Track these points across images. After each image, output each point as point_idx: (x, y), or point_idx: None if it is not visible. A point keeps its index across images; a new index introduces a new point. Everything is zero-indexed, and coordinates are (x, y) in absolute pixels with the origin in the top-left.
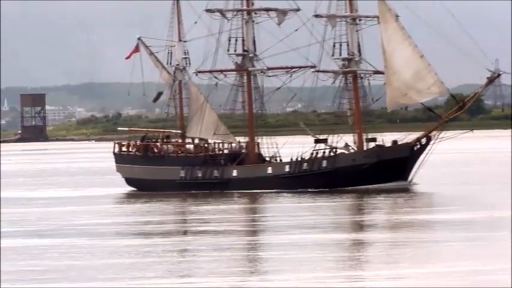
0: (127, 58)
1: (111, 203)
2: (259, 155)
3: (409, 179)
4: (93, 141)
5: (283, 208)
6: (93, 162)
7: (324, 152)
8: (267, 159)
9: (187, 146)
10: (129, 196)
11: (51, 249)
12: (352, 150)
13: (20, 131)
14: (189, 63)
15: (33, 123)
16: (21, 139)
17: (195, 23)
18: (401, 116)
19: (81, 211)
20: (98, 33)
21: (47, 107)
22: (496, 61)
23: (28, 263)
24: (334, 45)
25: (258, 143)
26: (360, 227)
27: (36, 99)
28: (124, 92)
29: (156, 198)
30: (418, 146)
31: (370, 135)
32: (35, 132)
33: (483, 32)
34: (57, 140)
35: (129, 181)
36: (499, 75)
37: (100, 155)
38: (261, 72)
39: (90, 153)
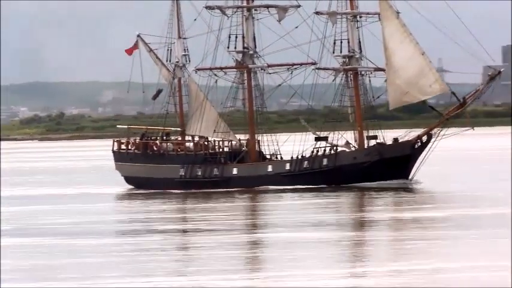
0: (129, 54)
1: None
2: (260, 152)
3: (410, 176)
4: (36, 140)
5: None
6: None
7: (324, 150)
8: (268, 157)
9: (187, 144)
10: (129, 194)
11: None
12: (353, 148)
13: None
14: (189, 61)
15: None
16: None
17: (195, 20)
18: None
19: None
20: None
21: None
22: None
23: None
24: (334, 43)
25: (259, 141)
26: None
27: None
28: (68, 91)
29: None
30: (419, 144)
31: (371, 133)
32: None
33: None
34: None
35: (129, 179)
36: (499, 72)
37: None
38: (261, 69)
39: (35, 152)
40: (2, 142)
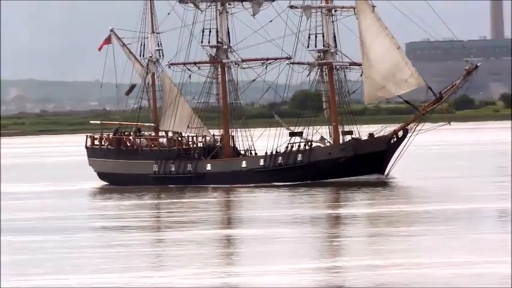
0: (99, 49)
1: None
2: (234, 148)
3: (386, 172)
4: None
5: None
6: None
7: (299, 146)
8: (242, 152)
9: (161, 139)
10: (103, 191)
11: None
12: (328, 144)
13: None
14: (163, 55)
15: None
16: None
17: (168, 14)
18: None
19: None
20: None
21: None
22: None
23: None
24: (309, 37)
25: (233, 136)
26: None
27: None
28: None
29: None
30: (395, 139)
31: (347, 128)
32: None
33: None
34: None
35: (102, 175)
36: (476, 66)
37: None
38: (236, 64)
39: None
40: None
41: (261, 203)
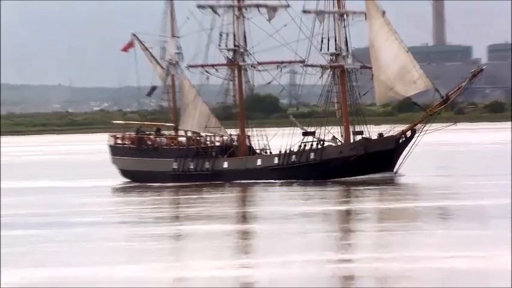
0: (123, 50)
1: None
2: (250, 147)
3: (395, 170)
4: None
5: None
6: None
7: (311, 145)
8: (257, 151)
9: (180, 138)
10: (127, 187)
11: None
12: (339, 143)
13: None
14: (182, 58)
15: None
16: None
17: (187, 18)
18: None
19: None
20: None
21: None
22: None
23: None
24: (322, 41)
25: (249, 136)
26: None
27: None
28: None
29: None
30: (403, 139)
31: (357, 128)
32: None
33: None
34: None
35: (124, 173)
36: (481, 70)
37: None
38: (252, 66)
39: None
40: None
41: (274, 199)
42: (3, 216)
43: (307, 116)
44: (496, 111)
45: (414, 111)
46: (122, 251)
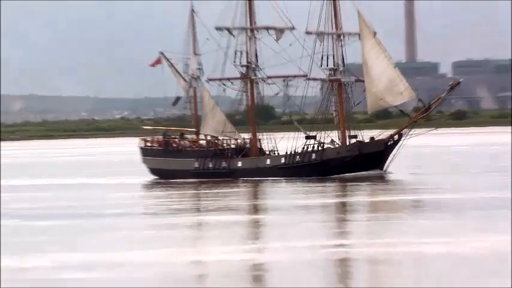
0: (151, 66)
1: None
2: (260, 148)
3: (384, 168)
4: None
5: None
6: None
7: (313, 147)
8: (267, 152)
9: (201, 141)
10: (155, 184)
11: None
12: (336, 145)
13: None
14: (202, 73)
15: None
16: None
17: (207, 39)
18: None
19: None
20: None
21: None
22: None
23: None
24: (322, 58)
25: (260, 139)
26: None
27: None
28: None
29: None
30: (391, 142)
31: (352, 133)
32: None
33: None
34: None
35: (153, 171)
36: (459, 83)
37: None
38: (262, 80)
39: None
40: None
41: (280, 194)
42: (40, 208)
43: (309, 123)
44: (459, 119)
45: (391, 118)
46: (146, 238)
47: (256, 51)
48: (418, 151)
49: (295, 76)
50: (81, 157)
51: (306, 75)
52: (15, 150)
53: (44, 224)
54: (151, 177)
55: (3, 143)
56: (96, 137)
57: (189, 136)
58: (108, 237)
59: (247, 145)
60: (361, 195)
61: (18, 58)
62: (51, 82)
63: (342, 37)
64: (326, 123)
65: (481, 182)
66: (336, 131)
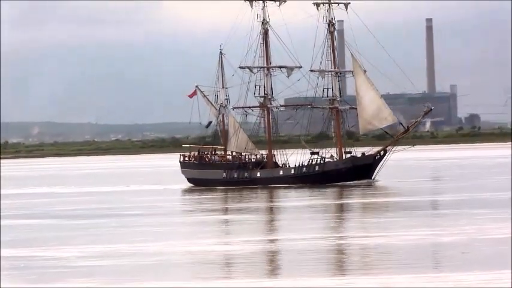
0: (189, 97)
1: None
2: (275, 162)
3: (373, 177)
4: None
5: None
6: None
7: (317, 160)
8: (280, 165)
9: (228, 156)
10: (192, 190)
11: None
12: (335, 159)
13: None
14: (229, 102)
15: None
16: None
17: (233, 75)
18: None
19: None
20: None
21: None
22: None
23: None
24: (323, 90)
25: (274, 154)
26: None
27: None
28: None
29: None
30: (379, 156)
31: (348, 149)
32: None
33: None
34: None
35: (190, 180)
36: (430, 109)
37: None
38: (276, 108)
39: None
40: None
41: (291, 197)
42: (72, 210)
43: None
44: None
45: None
46: (188, 230)
47: (271, 85)
48: (400, 163)
49: (302, 105)
50: (106, 170)
51: (311, 104)
52: (46, 164)
53: (72, 223)
54: (189, 185)
55: (29, 160)
56: (96, 155)
57: (218, 152)
58: (157, 230)
59: (265, 159)
60: (353, 198)
61: (40, 90)
62: (63, 113)
63: (339, 74)
64: (327, 141)
65: (449, 188)
66: (335, 148)
